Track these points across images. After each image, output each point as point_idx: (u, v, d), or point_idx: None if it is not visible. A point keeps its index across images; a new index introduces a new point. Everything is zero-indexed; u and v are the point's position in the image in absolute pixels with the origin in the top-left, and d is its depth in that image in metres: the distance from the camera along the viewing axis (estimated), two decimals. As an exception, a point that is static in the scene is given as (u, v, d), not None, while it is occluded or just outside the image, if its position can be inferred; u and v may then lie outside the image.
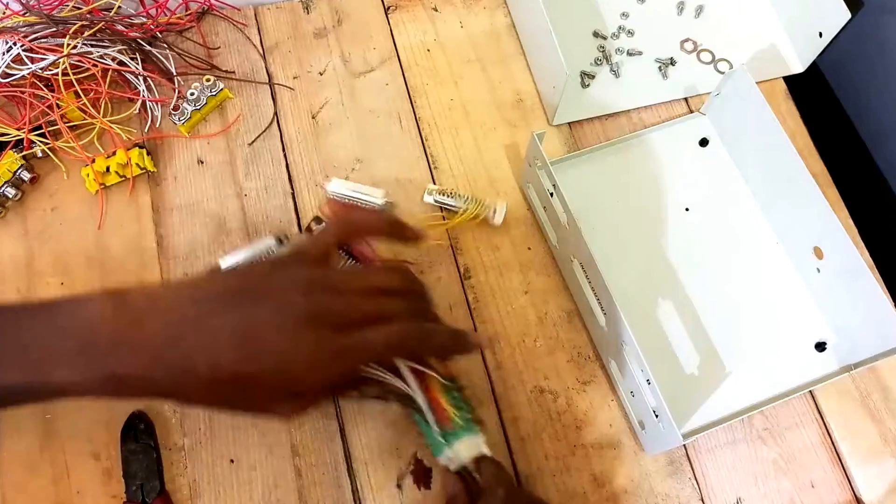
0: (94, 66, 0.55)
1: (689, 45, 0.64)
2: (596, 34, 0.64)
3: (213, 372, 0.33)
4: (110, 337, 0.34)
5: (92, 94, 0.56)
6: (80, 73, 0.55)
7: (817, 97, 0.66)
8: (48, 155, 0.55)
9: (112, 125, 0.55)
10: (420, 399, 0.41)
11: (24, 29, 0.54)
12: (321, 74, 0.61)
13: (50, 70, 0.54)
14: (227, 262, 0.48)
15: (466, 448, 0.41)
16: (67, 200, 0.55)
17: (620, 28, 0.64)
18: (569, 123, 0.60)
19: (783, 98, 0.62)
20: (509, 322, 0.53)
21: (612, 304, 0.45)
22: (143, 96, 0.57)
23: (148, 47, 0.58)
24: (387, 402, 0.46)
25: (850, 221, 0.57)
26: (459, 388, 0.44)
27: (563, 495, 0.49)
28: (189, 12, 0.61)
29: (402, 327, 0.37)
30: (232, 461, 0.48)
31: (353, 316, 0.36)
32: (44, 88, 0.55)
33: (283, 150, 0.58)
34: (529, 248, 0.56)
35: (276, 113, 0.59)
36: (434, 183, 0.57)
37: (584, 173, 0.57)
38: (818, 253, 0.52)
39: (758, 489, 0.50)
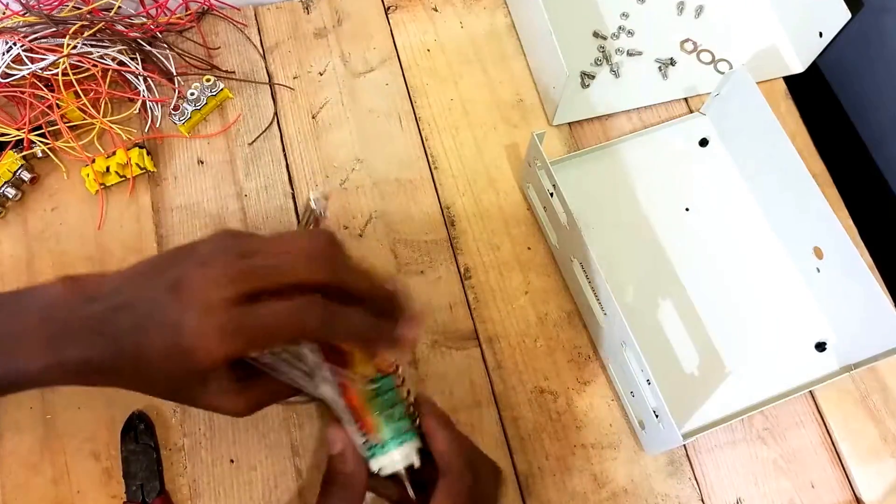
0: (94, 66, 0.55)
1: (689, 46, 0.64)
2: (596, 34, 0.64)
3: (133, 348, 0.33)
4: (64, 323, 0.33)
5: (92, 94, 0.56)
6: (80, 73, 0.55)
7: (817, 97, 0.66)
8: (48, 155, 0.55)
9: (112, 125, 0.55)
10: (339, 408, 0.37)
11: (24, 29, 0.54)
12: (321, 74, 0.61)
13: (50, 70, 0.54)
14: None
15: (395, 460, 0.37)
16: (67, 200, 0.55)
17: (620, 28, 0.64)
18: (569, 123, 0.60)
19: (783, 98, 0.62)
20: (509, 322, 0.53)
21: (612, 304, 0.45)
22: (143, 96, 0.57)
23: (148, 47, 0.58)
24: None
25: (850, 221, 0.57)
26: (396, 383, 0.39)
27: (563, 495, 0.49)
28: (189, 12, 0.61)
29: (309, 301, 0.33)
30: (232, 461, 0.48)
31: (255, 285, 0.32)
32: (44, 88, 0.54)
33: (283, 150, 0.58)
34: (529, 248, 0.56)
35: (276, 113, 0.59)
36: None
37: (584, 173, 0.57)
38: (818, 253, 0.52)
39: (758, 489, 0.50)
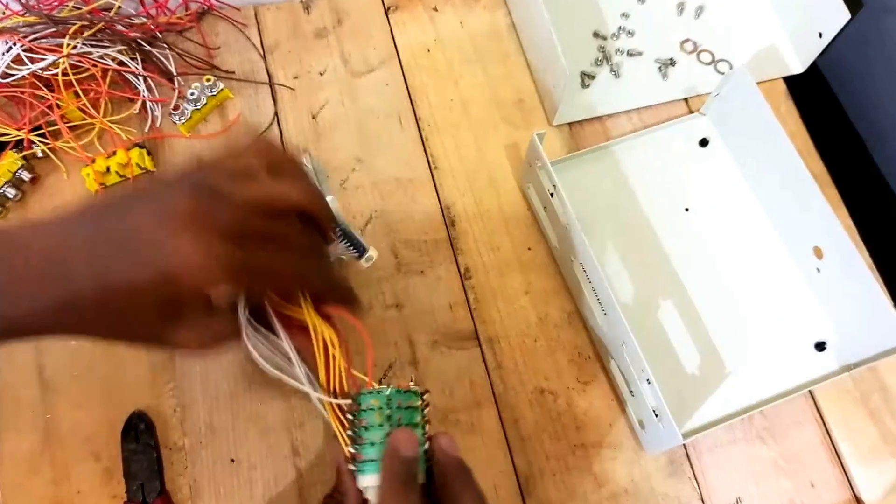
0: (94, 66, 0.55)
1: (689, 46, 0.64)
2: (596, 34, 0.64)
3: (98, 287, 0.31)
4: (15, 274, 0.31)
5: (92, 94, 0.56)
6: (79, 73, 0.55)
7: (817, 97, 0.66)
8: (48, 155, 0.55)
9: (112, 125, 0.55)
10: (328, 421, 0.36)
11: (24, 29, 0.54)
12: (321, 74, 0.61)
13: (50, 70, 0.54)
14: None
15: (363, 486, 0.34)
16: (68, 201, 0.55)
17: (620, 28, 0.64)
18: (569, 123, 0.60)
19: (783, 98, 0.62)
20: (509, 322, 0.53)
21: (612, 304, 0.45)
22: (143, 96, 0.57)
23: (148, 47, 0.58)
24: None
25: (850, 221, 0.57)
26: (369, 404, 0.35)
27: (563, 495, 0.49)
28: (189, 12, 0.61)
29: (318, 262, 0.34)
30: (232, 461, 0.48)
31: (246, 229, 0.32)
32: (44, 89, 0.54)
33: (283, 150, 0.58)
34: (530, 249, 0.56)
35: (276, 113, 0.59)
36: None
37: (584, 173, 0.57)
38: (818, 253, 0.52)
39: (758, 489, 0.50)
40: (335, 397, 0.36)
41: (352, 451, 0.34)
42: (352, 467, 0.34)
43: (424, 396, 0.36)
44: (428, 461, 0.35)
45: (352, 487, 0.35)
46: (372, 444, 0.34)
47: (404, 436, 0.34)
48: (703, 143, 0.59)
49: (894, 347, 0.47)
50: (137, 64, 0.57)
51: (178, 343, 0.34)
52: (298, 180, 0.36)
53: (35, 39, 0.54)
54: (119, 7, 0.58)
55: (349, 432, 0.35)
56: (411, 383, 0.36)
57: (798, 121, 0.61)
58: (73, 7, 0.57)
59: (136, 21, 0.59)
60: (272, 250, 0.33)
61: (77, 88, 0.54)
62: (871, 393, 0.52)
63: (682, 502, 0.49)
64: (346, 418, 0.35)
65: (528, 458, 0.50)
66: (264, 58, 0.61)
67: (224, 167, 0.34)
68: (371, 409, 0.35)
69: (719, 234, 0.56)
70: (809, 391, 0.52)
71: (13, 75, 0.54)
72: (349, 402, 0.35)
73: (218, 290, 0.32)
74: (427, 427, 0.36)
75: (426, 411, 0.36)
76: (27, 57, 0.54)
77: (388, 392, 0.35)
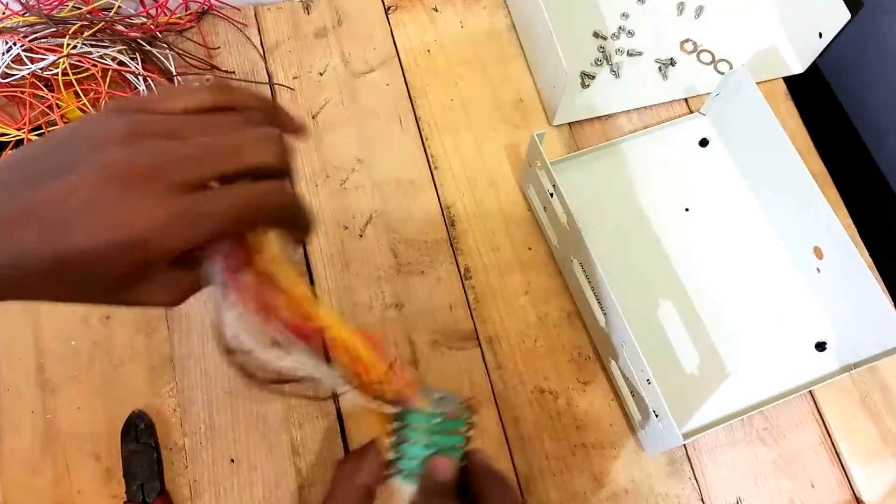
0: (94, 66, 0.55)
1: (689, 46, 0.64)
2: (596, 34, 0.64)
3: (50, 255, 0.27)
4: None
5: (92, 94, 0.56)
6: (79, 73, 0.55)
7: (817, 97, 0.66)
8: (48, 155, 0.55)
9: (112, 125, 0.55)
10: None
11: (24, 29, 0.54)
12: (321, 75, 0.61)
13: (50, 70, 0.54)
14: None
15: (398, 490, 0.35)
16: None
17: (620, 28, 0.64)
18: (569, 124, 0.60)
19: (783, 98, 0.62)
20: (509, 322, 0.53)
21: (612, 304, 0.45)
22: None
23: (148, 47, 0.58)
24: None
25: (850, 221, 0.57)
26: (413, 424, 0.35)
27: (563, 495, 0.49)
28: (189, 12, 0.61)
29: (278, 186, 0.30)
30: (232, 461, 0.48)
31: (198, 169, 0.28)
32: (44, 88, 0.55)
33: (284, 150, 0.58)
34: (530, 249, 0.56)
35: (276, 113, 0.59)
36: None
37: (584, 173, 0.57)
38: (818, 253, 0.52)
39: (758, 489, 0.50)
40: (376, 398, 0.35)
41: (391, 456, 0.35)
42: (386, 472, 0.35)
43: (472, 420, 0.36)
44: (464, 475, 0.36)
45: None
46: (412, 458, 0.35)
47: (443, 464, 0.35)
48: (703, 143, 0.59)
49: (894, 347, 0.47)
50: (137, 64, 0.57)
51: (142, 301, 0.31)
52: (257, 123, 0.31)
53: (35, 39, 0.54)
54: (119, 7, 0.58)
55: (391, 439, 0.35)
56: (462, 405, 0.36)
57: (798, 121, 0.61)
58: (73, 7, 0.57)
59: (136, 21, 0.59)
60: (264, 191, 0.29)
61: (77, 88, 0.54)
62: (871, 393, 0.52)
63: (682, 502, 0.49)
64: (390, 424, 0.35)
65: (528, 457, 0.50)
66: (264, 58, 0.61)
67: (166, 98, 0.30)
68: (417, 429, 0.35)
69: (719, 234, 0.56)
70: (809, 391, 0.52)
71: (13, 75, 0.54)
72: (397, 410, 0.35)
73: (187, 246, 0.28)
74: (467, 443, 0.37)
75: (470, 434, 0.37)
76: (27, 57, 0.54)
77: (437, 419, 0.35)
